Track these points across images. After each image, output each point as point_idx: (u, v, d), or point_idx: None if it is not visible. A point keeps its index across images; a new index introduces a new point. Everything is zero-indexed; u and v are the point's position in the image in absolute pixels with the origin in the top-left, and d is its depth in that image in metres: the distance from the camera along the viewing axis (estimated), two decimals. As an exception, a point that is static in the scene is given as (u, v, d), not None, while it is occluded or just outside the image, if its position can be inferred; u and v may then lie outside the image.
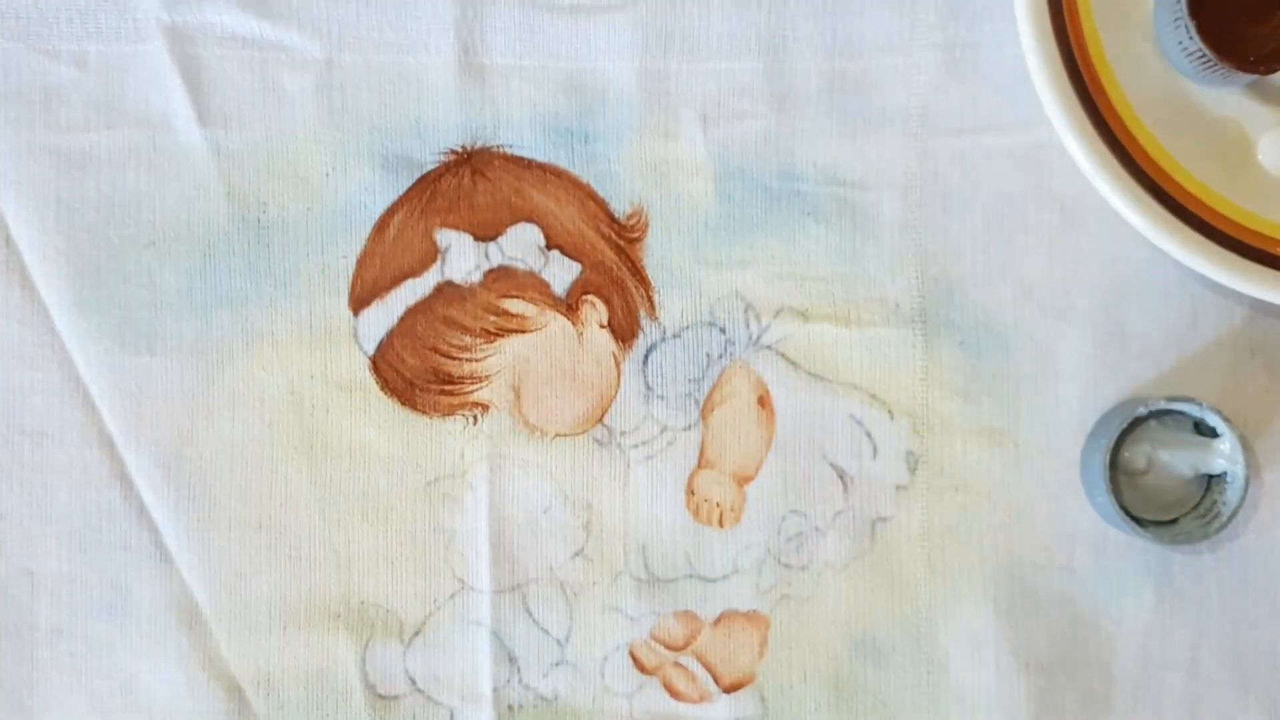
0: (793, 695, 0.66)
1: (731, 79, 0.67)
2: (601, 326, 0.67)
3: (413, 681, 0.66)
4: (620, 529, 0.66)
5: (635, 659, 0.66)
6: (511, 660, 0.66)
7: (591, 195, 0.67)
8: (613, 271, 0.67)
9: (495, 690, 0.66)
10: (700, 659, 0.66)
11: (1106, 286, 0.67)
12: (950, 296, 0.67)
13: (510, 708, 0.66)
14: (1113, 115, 0.63)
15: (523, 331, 0.67)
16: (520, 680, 0.66)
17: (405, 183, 0.67)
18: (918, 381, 0.67)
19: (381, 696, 0.66)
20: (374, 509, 0.66)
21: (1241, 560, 0.66)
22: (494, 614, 0.66)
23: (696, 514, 0.67)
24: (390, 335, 0.67)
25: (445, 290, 0.67)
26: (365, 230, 0.67)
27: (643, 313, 0.67)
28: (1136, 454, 0.65)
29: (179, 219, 0.67)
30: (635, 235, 0.67)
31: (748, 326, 0.67)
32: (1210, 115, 0.64)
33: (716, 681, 0.66)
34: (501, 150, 0.67)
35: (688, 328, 0.67)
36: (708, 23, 0.67)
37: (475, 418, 0.67)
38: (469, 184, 0.67)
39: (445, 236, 0.67)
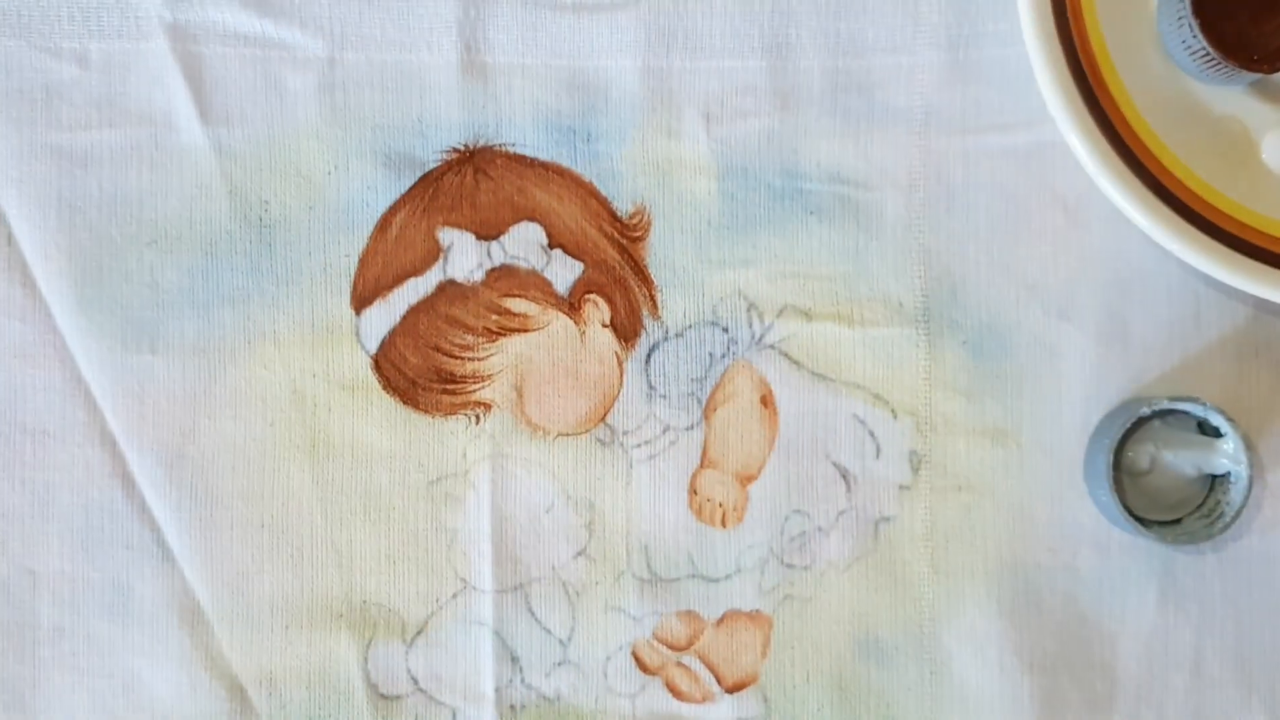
0: (795, 695, 0.66)
1: (735, 78, 0.67)
2: (604, 326, 0.67)
3: (415, 681, 0.66)
4: (623, 528, 0.66)
5: (638, 659, 0.66)
6: (514, 660, 0.66)
7: (594, 194, 0.67)
8: (615, 270, 0.67)
9: (498, 690, 0.66)
10: (703, 659, 0.66)
11: (1110, 286, 0.66)
12: (953, 296, 0.67)
13: (512, 707, 0.66)
14: (1116, 114, 0.63)
15: (525, 330, 0.67)
16: (523, 680, 0.66)
17: (408, 181, 0.67)
18: (921, 381, 0.67)
19: (384, 696, 0.66)
20: (376, 508, 0.66)
21: (1245, 560, 0.66)
22: (496, 614, 0.66)
23: (699, 514, 0.67)
24: (392, 334, 0.66)
25: (447, 289, 0.66)
26: (367, 229, 0.67)
27: (645, 312, 0.67)
28: (1140, 454, 0.65)
29: (181, 217, 0.67)
30: (638, 234, 0.67)
31: (750, 326, 0.67)
32: (1214, 114, 0.64)
33: (719, 681, 0.66)
34: (504, 149, 0.67)
35: (690, 327, 0.67)
36: (711, 21, 0.67)
37: (477, 417, 0.67)
38: (471, 182, 0.67)
39: (447, 235, 0.67)
